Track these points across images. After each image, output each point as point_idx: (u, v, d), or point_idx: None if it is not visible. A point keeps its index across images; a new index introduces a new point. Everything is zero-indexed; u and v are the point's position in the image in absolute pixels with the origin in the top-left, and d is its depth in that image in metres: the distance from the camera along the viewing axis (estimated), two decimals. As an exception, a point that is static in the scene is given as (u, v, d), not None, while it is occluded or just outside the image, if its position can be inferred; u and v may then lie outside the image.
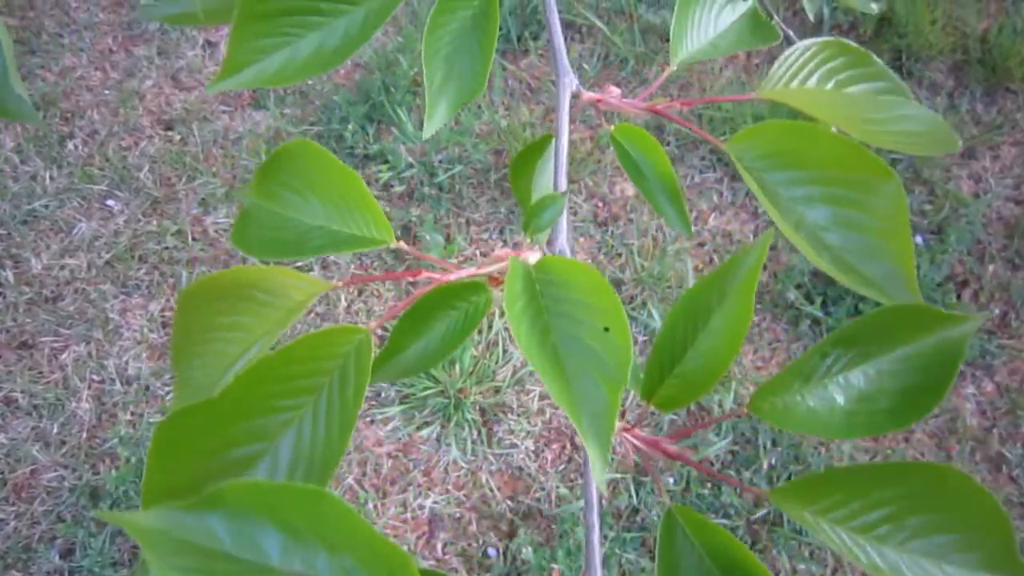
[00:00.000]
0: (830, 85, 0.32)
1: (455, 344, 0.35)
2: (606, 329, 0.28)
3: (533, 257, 0.29)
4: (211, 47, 2.00)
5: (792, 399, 0.32)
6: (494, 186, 1.72)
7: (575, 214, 1.69)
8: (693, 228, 1.69)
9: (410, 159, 1.74)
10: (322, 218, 0.32)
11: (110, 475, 1.40)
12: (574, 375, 0.28)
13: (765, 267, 1.65)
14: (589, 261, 1.64)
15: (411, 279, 0.33)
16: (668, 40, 1.81)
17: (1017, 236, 1.69)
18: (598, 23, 1.97)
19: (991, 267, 1.67)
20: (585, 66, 1.91)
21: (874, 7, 0.49)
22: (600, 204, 1.71)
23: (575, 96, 0.34)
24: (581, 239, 1.67)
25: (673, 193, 0.33)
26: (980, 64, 1.92)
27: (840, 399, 0.32)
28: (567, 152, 0.30)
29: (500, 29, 1.89)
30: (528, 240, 0.30)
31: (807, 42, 0.33)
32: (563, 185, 0.31)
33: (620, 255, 1.64)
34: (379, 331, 0.32)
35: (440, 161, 1.73)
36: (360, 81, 1.85)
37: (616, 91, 0.35)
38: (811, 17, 0.46)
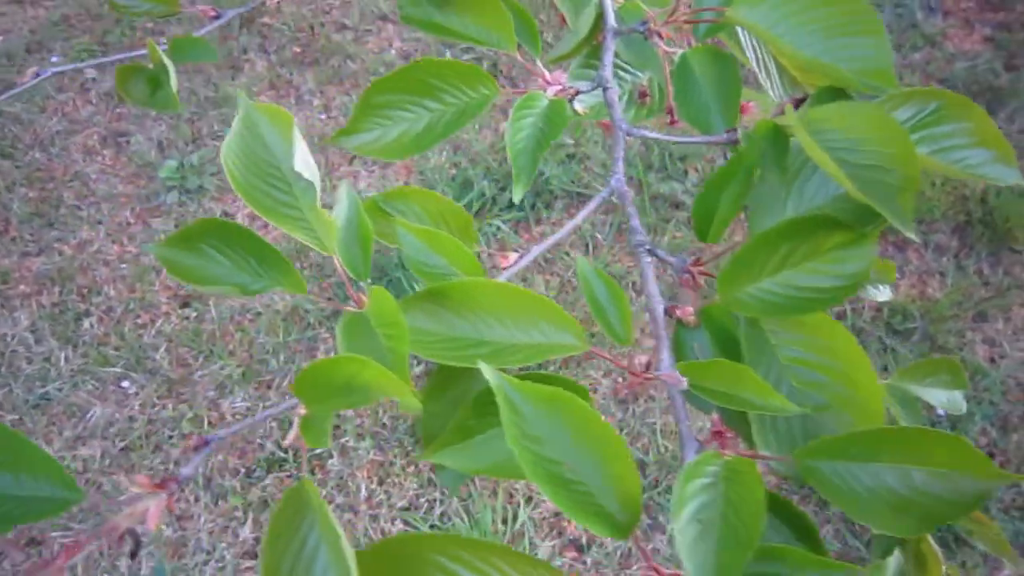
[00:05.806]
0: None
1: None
2: None
3: None
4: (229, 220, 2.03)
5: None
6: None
7: (595, 391, 1.68)
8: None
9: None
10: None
11: None
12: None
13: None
14: (611, 441, 1.62)
15: None
16: (677, 207, 1.83)
17: (1039, 406, 1.69)
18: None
19: (1015, 437, 1.66)
20: (599, 235, 1.95)
21: (883, 291, 0.50)
22: (620, 380, 1.70)
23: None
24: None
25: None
26: (983, 224, 1.97)
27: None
28: None
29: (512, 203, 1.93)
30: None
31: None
32: None
33: (643, 436, 1.63)
34: None
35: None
36: (377, 258, 1.87)
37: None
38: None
